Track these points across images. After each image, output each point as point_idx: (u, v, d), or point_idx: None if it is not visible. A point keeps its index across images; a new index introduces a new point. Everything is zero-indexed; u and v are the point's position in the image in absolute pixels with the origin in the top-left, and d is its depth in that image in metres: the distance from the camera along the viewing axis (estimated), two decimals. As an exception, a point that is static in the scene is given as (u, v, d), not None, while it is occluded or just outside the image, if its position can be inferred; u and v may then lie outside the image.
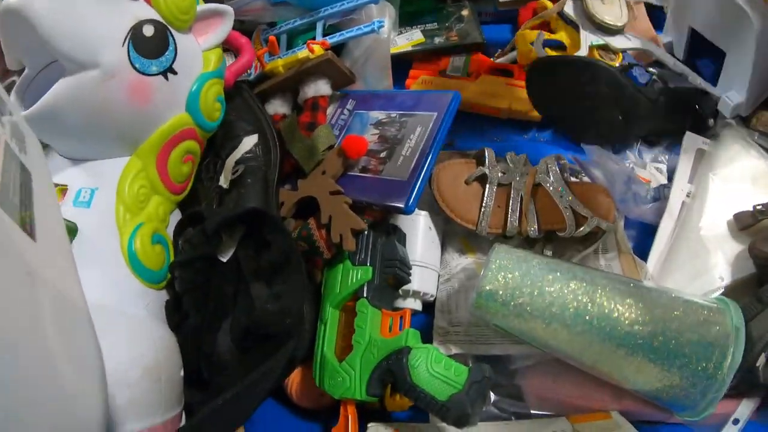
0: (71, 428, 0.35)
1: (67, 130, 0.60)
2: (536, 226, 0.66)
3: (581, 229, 0.66)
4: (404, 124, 0.68)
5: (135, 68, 0.59)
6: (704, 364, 0.52)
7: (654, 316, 0.54)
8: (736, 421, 0.61)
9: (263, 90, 0.75)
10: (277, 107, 0.75)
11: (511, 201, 0.67)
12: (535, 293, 0.57)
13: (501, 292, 0.57)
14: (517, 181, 0.68)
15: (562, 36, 0.80)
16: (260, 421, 0.65)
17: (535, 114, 0.79)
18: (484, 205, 0.67)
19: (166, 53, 0.61)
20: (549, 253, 0.69)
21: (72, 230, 0.57)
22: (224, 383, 0.56)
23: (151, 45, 0.60)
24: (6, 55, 0.69)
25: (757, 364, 0.56)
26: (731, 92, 0.72)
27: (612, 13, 0.77)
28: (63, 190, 0.61)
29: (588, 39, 0.77)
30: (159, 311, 0.60)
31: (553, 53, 0.79)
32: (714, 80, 0.74)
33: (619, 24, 0.76)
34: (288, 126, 0.70)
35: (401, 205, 0.61)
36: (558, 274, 0.58)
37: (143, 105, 0.60)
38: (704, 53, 0.76)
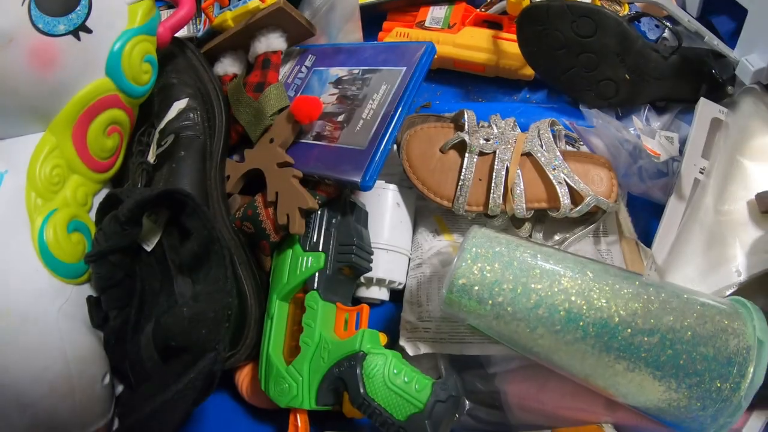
0: None
1: None
2: (524, 204, 0.54)
3: (578, 208, 0.53)
4: (367, 81, 0.54)
5: (38, 29, 0.47)
6: (718, 384, 0.40)
7: (663, 324, 0.41)
8: None
9: (211, 48, 0.61)
10: (228, 67, 0.61)
11: (494, 173, 0.53)
12: (519, 290, 0.44)
13: (477, 288, 0.45)
14: (502, 150, 0.54)
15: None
16: (211, 419, 0.56)
17: (527, 71, 0.63)
18: (462, 177, 0.54)
19: (78, 9, 0.49)
20: (539, 236, 0.56)
21: (-23, 221, 0.48)
22: (143, 397, 0.46)
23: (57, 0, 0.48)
24: None
25: None
26: (752, 56, 0.56)
27: None
28: None
29: None
30: (78, 309, 0.49)
31: None
32: (732, 41, 0.59)
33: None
34: (234, 87, 0.57)
35: (357, 180, 0.48)
36: (547, 267, 0.44)
37: (51, 71, 0.48)
38: (721, 10, 0.62)
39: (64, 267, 0.49)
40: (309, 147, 0.53)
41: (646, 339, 0.42)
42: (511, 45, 0.62)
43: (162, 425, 0.43)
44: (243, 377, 0.55)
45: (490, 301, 0.45)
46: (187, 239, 0.47)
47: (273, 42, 0.59)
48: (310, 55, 0.61)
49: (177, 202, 0.46)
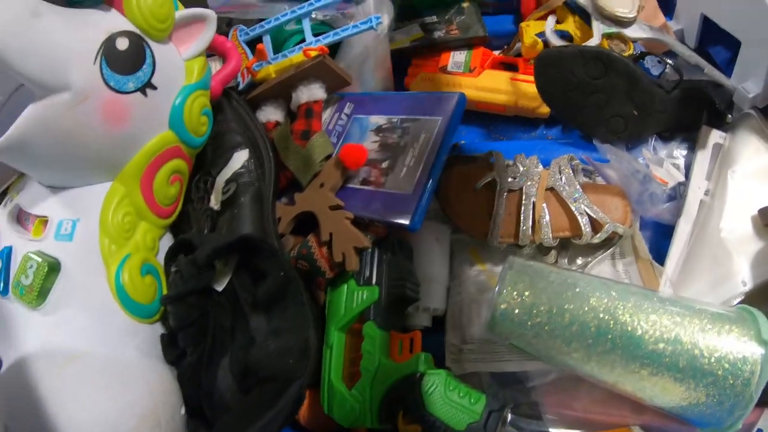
0: None
1: (40, 159, 0.53)
2: (550, 235, 0.60)
3: (598, 235, 0.60)
4: (407, 130, 0.61)
5: (109, 87, 0.52)
6: (732, 381, 0.47)
7: (679, 332, 0.49)
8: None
9: (254, 97, 0.68)
10: (270, 114, 0.67)
11: (523, 208, 0.61)
12: (554, 311, 0.51)
13: (517, 311, 0.52)
14: (529, 186, 0.61)
15: (569, 26, 0.72)
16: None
17: (543, 110, 0.71)
18: (494, 213, 0.61)
19: (144, 67, 0.54)
20: (564, 261, 0.63)
21: (55, 267, 0.51)
22: (225, 427, 0.51)
23: (126, 59, 0.52)
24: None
25: None
26: (747, 83, 0.65)
27: (623, 4, 0.70)
28: (44, 221, 0.55)
29: (600, 27, 0.70)
30: (153, 347, 0.54)
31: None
32: (729, 69, 0.67)
33: (631, 16, 0.69)
34: (281, 136, 0.63)
35: (406, 223, 0.55)
36: (577, 290, 0.52)
37: (121, 126, 0.53)
38: (717, 41, 0.69)
39: (140, 308, 0.54)
40: (357, 192, 0.60)
41: (666, 347, 0.49)
42: (528, 86, 0.69)
43: None
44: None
45: (530, 322, 0.52)
46: (261, 280, 0.52)
47: (314, 92, 0.65)
48: (348, 103, 0.67)
49: (250, 246, 0.51)
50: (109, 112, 0.53)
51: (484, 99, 0.72)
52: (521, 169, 0.62)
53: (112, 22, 0.54)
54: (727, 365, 0.47)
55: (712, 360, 0.48)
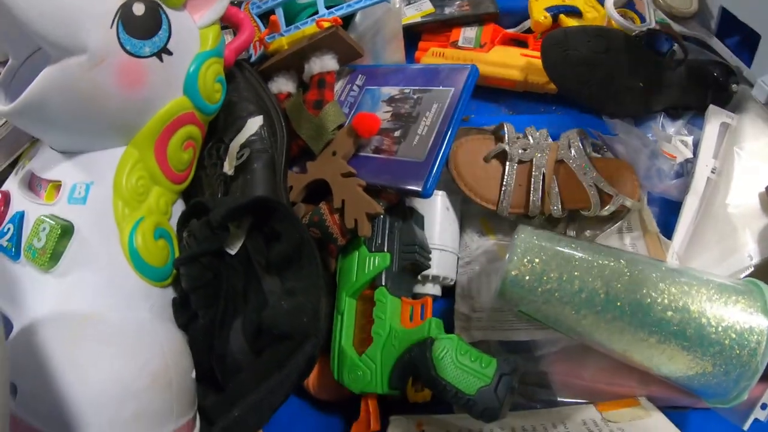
0: None
1: (55, 122, 0.53)
2: (559, 206, 0.61)
3: (606, 207, 0.60)
4: (419, 100, 0.61)
5: (126, 51, 0.52)
6: (738, 351, 0.48)
7: (687, 301, 0.49)
8: (764, 406, 0.56)
9: (266, 68, 0.68)
10: (282, 85, 0.68)
11: (533, 179, 0.61)
12: (564, 278, 0.52)
13: (527, 278, 0.53)
14: (539, 158, 0.62)
15: (578, 1, 0.73)
16: (277, 415, 0.61)
17: (552, 86, 0.72)
18: (504, 184, 0.61)
19: (160, 32, 0.54)
20: (572, 233, 0.63)
21: (68, 230, 0.52)
22: (239, 387, 0.51)
23: (142, 24, 0.53)
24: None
25: None
26: (766, 76, 0.65)
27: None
28: (57, 186, 0.55)
29: (652, 14, 0.70)
30: (165, 310, 0.55)
31: (570, 20, 0.73)
32: (748, 63, 0.68)
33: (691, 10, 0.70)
34: (294, 105, 0.64)
35: (419, 189, 0.55)
36: (587, 257, 0.52)
37: (137, 90, 0.53)
38: (736, 33, 0.70)
39: (152, 271, 0.54)
40: (369, 160, 0.60)
41: (674, 315, 0.49)
42: (538, 61, 0.70)
43: (267, 408, 0.48)
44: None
45: (540, 289, 0.52)
46: (275, 242, 0.52)
47: (327, 63, 0.65)
48: (360, 75, 0.68)
49: (265, 209, 0.52)
50: (125, 76, 0.53)
51: (495, 74, 0.73)
52: (531, 141, 0.63)
53: (128, -14, 0.54)
54: (734, 335, 0.48)
55: (719, 329, 0.48)
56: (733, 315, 0.49)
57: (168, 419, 0.49)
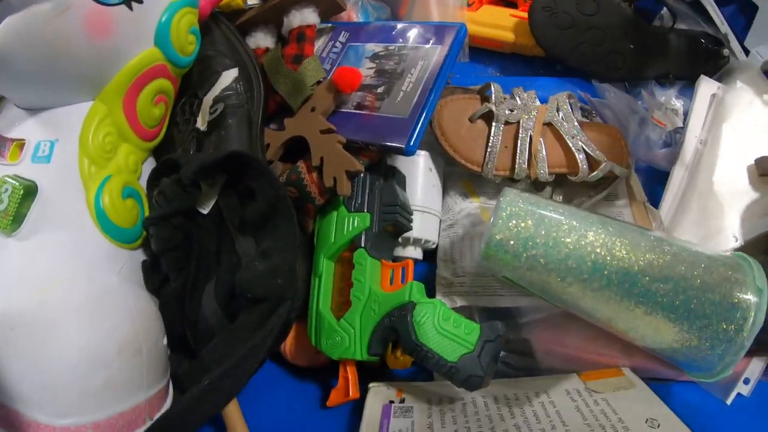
0: None
1: (18, 74, 0.49)
2: (546, 169, 0.59)
3: (594, 173, 0.58)
4: (404, 57, 0.58)
5: (92, -4, 0.49)
6: (725, 326, 0.46)
7: (676, 273, 0.48)
8: (746, 381, 0.56)
9: (243, 22, 0.64)
10: (260, 40, 0.64)
11: (519, 141, 0.59)
12: (550, 244, 0.49)
13: (512, 242, 0.50)
14: (526, 120, 0.59)
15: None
16: (253, 382, 0.59)
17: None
18: (490, 145, 0.59)
19: (129, -21, 0.51)
20: (559, 198, 0.62)
21: (31, 190, 0.48)
22: (212, 353, 0.48)
23: (110, -32, 0.50)
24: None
25: None
26: (762, 47, 0.65)
27: None
28: (20, 144, 0.51)
29: None
30: (134, 274, 0.52)
31: None
32: (743, 34, 0.68)
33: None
34: (272, 60, 0.60)
35: (402, 145, 0.52)
36: (574, 223, 0.50)
37: (104, 40, 0.49)
38: (734, 3, 0.70)
39: (120, 232, 0.51)
40: (350, 116, 0.57)
41: (661, 286, 0.48)
42: (526, 23, 0.67)
43: (241, 374, 0.45)
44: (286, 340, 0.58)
45: (525, 254, 0.50)
46: (249, 200, 0.50)
47: (307, 17, 0.62)
48: (343, 32, 0.65)
49: (238, 165, 0.49)
50: (92, 24, 0.49)
51: (482, 34, 0.70)
52: (519, 102, 0.61)
53: (95, -73, 0.50)
54: (721, 309, 0.47)
55: (707, 303, 0.47)
56: (721, 289, 0.47)
57: (139, 388, 0.47)
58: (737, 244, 0.58)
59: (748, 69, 0.67)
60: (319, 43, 0.65)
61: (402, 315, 0.51)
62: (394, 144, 0.53)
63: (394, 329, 0.51)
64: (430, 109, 0.54)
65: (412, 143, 0.52)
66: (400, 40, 0.60)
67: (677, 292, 0.47)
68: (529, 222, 0.50)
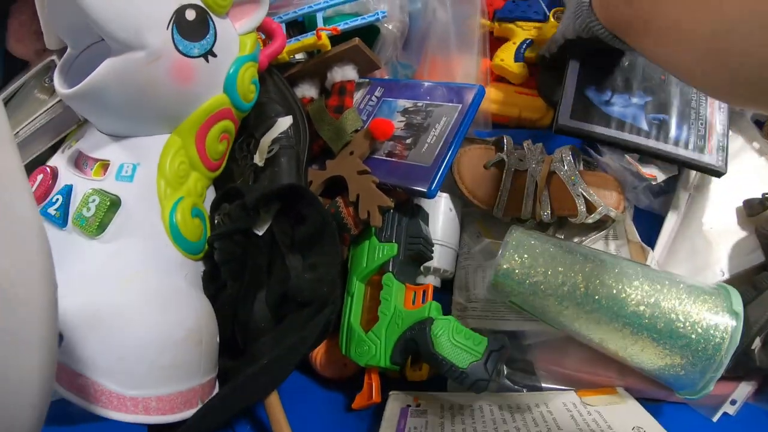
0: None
1: (110, 108, 0.68)
2: (549, 211, 0.77)
3: (591, 216, 0.76)
4: (430, 113, 0.78)
5: (178, 50, 0.67)
6: (704, 345, 0.61)
7: (659, 298, 0.64)
8: (733, 402, 0.70)
9: (292, 74, 0.85)
10: (305, 90, 0.85)
11: (527, 186, 0.77)
12: (549, 273, 0.67)
13: (517, 271, 0.68)
14: (533, 168, 0.78)
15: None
16: (286, 390, 0.74)
17: (544, 122, 0.89)
18: (501, 189, 0.77)
19: (207, 36, 0.70)
20: (560, 237, 0.79)
21: (116, 203, 0.66)
22: (260, 349, 0.66)
23: (193, 28, 0.68)
24: (45, 34, 0.78)
25: (753, 347, 0.66)
26: None
27: None
28: (104, 164, 0.70)
29: None
30: (196, 281, 0.70)
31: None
32: None
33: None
34: (317, 109, 0.80)
35: (424, 189, 0.71)
36: (570, 255, 0.68)
37: (185, 85, 0.69)
38: None
39: (188, 244, 0.69)
40: (383, 162, 0.77)
41: (646, 309, 0.64)
42: (531, 99, 0.87)
43: (285, 364, 0.62)
44: (317, 351, 0.76)
45: (527, 281, 0.68)
46: (300, 224, 0.68)
47: (348, 73, 0.82)
48: (379, 87, 0.84)
49: (292, 195, 0.67)
50: (176, 72, 0.68)
51: (490, 110, 0.89)
52: (528, 153, 0.79)
53: (181, -5, 0.70)
54: (700, 330, 0.62)
55: (687, 325, 0.62)
56: (700, 312, 0.63)
57: (196, 373, 0.64)
58: (724, 278, 0.72)
59: (739, 118, 0.84)
60: (357, 96, 0.84)
61: (422, 328, 0.68)
62: (418, 188, 0.72)
63: (415, 341, 0.68)
64: (449, 159, 0.73)
65: (433, 188, 0.71)
66: (427, 97, 0.80)
67: (660, 315, 0.63)
68: (532, 254, 0.68)
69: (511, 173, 0.78)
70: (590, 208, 0.76)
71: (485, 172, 0.79)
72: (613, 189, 0.78)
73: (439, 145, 0.74)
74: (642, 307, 0.64)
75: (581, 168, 0.80)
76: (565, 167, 0.78)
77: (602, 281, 0.66)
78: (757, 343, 0.67)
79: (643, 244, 0.77)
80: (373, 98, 0.85)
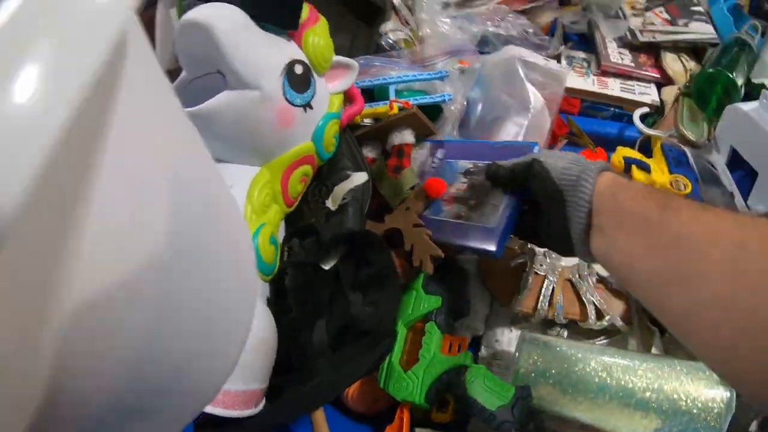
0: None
1: (217, 134, 0.83)
2: (561, 314, 0.92)
3: (599, 322, 0.92)
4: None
5: (285, 97, 0.83)
6: (705, 417, 0.75)
7: (662, 383, 0.78)
8: None
9: (358, 135, 1.03)
10: (368, 151, 1.02)
11: (543, 288, 0.94)
12: (562, 374, 0.82)
13: (533, 374, 0.83)
14: (551, 274, 0.95)
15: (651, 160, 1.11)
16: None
17: None
18: (521, 287, 0.94)
19: (308, 90, 0.87)
20: (564, 334, 0.95)
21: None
22: (317, 370, 0.79)
23: (299, 81, 0.85)
24: (163, 54, 0.93)
25: (750, 429, 0.81)
26: (759, 206, 1.01)
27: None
28: None
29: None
30: (264, 299, 0.83)
31: (639, 173, 1.06)
32: (747, 193, 1.04)
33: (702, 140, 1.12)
34: (379, 169, 0.98)
35: (492, 249, 0.81)
36: (579, 355, 0.83)
37: (284, 128, 0.85)
38: (741, 168, 1.07)
39: (264, 266, 0.83)
40: (448, 223, 0.90)
41: (652, 395, 0.79)
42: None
43: (339, 385, 0.77)
44: (351, 386, 0.88)
45: (542, 380, 0.83)
46: (365, 267, 0.83)
47: (406, 137, 1.01)
48: (440, 149, 1.02)
49: (365, 241, 0.82)
50: (280, 115, 0.84)
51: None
52: (548, 260, 0.97)
53: (292, 50, 0.87)
54: (700, 404, 0.76)
55: (689, 402, 0.76)
56: (698, 389, 0.77)
57: (255, 379, 0.77)
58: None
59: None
60: (422, 157, 1.02)
61: (457, 373, 0.82)
62: (484, 248, 0.82)
63: (450, 383, 0.82)
64: (512, 221, 0.83)
65: (498, 248, 0.81)
66: (487, 157, 0.94)
67: (664, 398, 0.77)
68: (544, 358, 0.84)
69: (531, 275, 0.95)
70: (599, 315, 0.93)
71: (508, 270, 0.96)
72: (622, 302, 0.95)
73: (502, 206, 0.84)
74: (648, 393, 0.78)
75: (595, 279, 0.97)
76: (580, 278, 0.95)
77: (611, 375, 0.81)
78: (754, 425, 0.81)
79: (651, 326, 0.94)
80: (436, 160, 1.01)
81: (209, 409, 0.71)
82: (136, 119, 0.33)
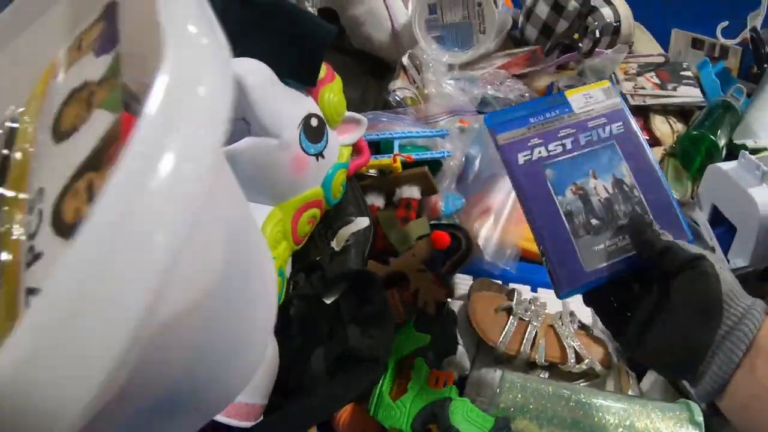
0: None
1: (237, 175, 0.93)
2: (543, 357, 1.02)
3: (578, 365, 1.02)
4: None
5: (301, 147, 0.96)
6: None
7: (633, 420, 0.88)
8: None
9: (364, 184, 1.16)
10: (374, 200, 1.15)
11: (527, 333, 1.04)
12: (539, 409, 0.91)
13: (512, 409, 0.92)
14: (535, 320, 1.05)
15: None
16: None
17: None
18: (505, 331, 1.04)
19: (322, 141, 1.00)
20: (545, 375, 1.05)
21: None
22: (313, 392, 0.89)
23: (314, 133, 0.98)
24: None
25: None
26: (738, 260, 1.11)
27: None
28: None
29: None
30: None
31: None
32: (727, 247, 1.15)
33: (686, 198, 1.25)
34: (387, 217, 1.10)
35: (558, 292, 0.72)
36: (555, 393, 0.92)
37: (298, 174, 0.98)
38: (722, 225, 1.18)
39: (270, 297, 0.93)
40: (556, 214, 0.74)
41: (624, 431, 0.89)
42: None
43: (332, 405, 0.88)
44: (342, 414, 0.99)
45: (520, 415, 0.93)
46: (365, 304, 0.94)
47: (413, 192, 1.13)
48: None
49: (367, 281, 0.94)
50: (295, 162, 0.97)
51: (520, 246, 1.19)
52: (533, 307, 1.08)
53: (309, 105, 1.00)
54: None
55: None
56: (669, 427, 0.85)
57: (262, 394, 0.88)
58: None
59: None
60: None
61: (442, 405, 0.92)
62: (555, 282, 0.72)
63: (435, 414, 0.92)
64: (605, 280, 0.72)
65: (564, 294, 0.72)
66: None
67: None
68: (523, 394, 0.93)
69: (516, 321, 1.06)
70: (579, 359, 1.03)
71: (495, 314, 1.06)
72: (601, 347, 1.06)
73: (616, 257, 0.72)
74: (620, 430, 0.87)
75: (576, 326, 1.08)
76: (563, 325, 1.06)
77: (585, 412, 0.90)
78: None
79: (628, 370, 1.04)
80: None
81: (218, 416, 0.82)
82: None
